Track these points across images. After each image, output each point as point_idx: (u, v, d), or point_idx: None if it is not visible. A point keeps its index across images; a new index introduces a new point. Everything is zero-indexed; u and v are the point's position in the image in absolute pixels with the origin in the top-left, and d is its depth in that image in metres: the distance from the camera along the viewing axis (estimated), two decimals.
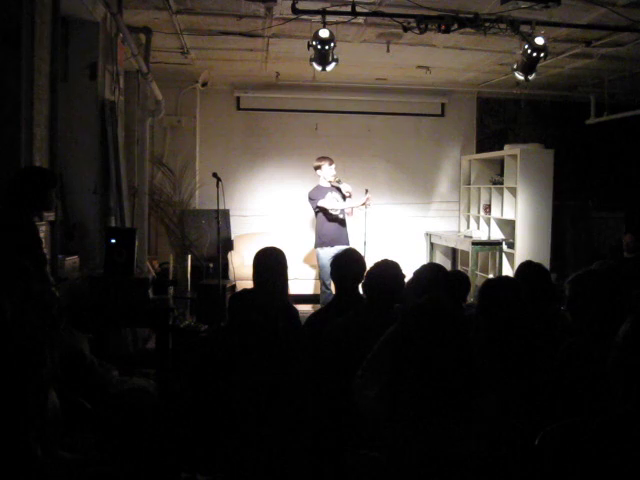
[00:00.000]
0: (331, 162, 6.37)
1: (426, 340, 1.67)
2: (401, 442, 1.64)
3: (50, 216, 3.87)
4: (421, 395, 1.65)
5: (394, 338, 1.87)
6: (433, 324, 1.69)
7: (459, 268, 8.54)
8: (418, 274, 3.13)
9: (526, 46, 5.03)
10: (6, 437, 1.72)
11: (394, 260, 3.05)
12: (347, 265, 3.29)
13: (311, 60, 5.19)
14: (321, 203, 6.27)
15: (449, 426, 1.62)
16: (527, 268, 3.41)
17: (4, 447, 1.71)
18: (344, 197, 6.35)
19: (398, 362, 1.72)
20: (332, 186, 6.37)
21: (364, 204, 6.36)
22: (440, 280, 3.06)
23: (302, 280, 7.70)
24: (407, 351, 1.69)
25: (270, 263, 3.48)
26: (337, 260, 3.39)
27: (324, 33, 4.84)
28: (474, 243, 7.49)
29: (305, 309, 6.84)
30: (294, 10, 4.71)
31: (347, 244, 6.06)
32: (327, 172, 6.35)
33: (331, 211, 6.27)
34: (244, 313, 2.84)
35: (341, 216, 6.33)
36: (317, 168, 6.39)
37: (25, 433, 1.76)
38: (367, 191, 6.36)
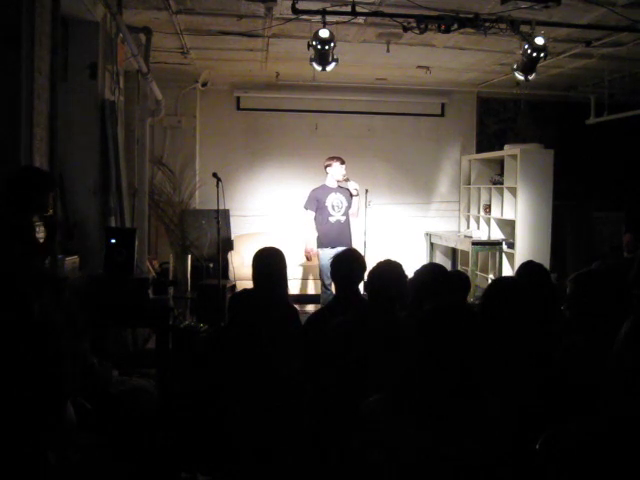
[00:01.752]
0: (342, 162, 6.36)
1: (443, 342, 1.66)
2: (402, 442, 1.64)
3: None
4: (427, 395, 1.64)
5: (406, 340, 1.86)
6: (453, 326, 1.69)
7: (459, 268, 8.54)
8: (418, 274, 3.12)
9: (526, 46, 5.03)
10: (20, 443, 1.71)
11: (397, 260, 3.04)
12: (347, 265, 3.29)
13: (311, 60, 5.19)
14: (305, 212, 6.36)
15: (452, 426, 1.62)
16: (528, 268, 3.41)
17: (17, 453, 1.71)
18: (351, 196, 6.34)
19: (408, 363, 1.72)
20: (339, 186, 6.37)
21: (354, 195, 6.34)
22: (441, 280, 3.06)
23: (302, 280, 7.71)
24: (421, 352, 1.69)
25: (269, 263, 3.47)
26: (337, 260, 3.39)
27: (324, 33, 4.84)
28: (474, 243, 7.49)
29: (305, 309, 6.84)
30: (294, 10, 4.71)
31: (349, 245, 6.04)
32: (337, 171, 6.33)
33: (329, 217, 6.29)
34: (244, 313, 2.84)
35: (342, 219, 6.31)
36: (327, 166, 6.40)
37: (40, 440, 1.75)
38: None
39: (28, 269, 2.41)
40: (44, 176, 3.36)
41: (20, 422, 1.71)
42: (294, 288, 7.42)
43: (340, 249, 5.67)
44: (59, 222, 4.02)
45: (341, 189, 6.35)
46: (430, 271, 3.14)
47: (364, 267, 3.29)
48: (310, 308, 6.91)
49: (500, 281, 2.75)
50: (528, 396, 2.14)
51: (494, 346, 2.28)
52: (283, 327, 3.17)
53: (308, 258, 6.40)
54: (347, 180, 6.31)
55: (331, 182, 6.37)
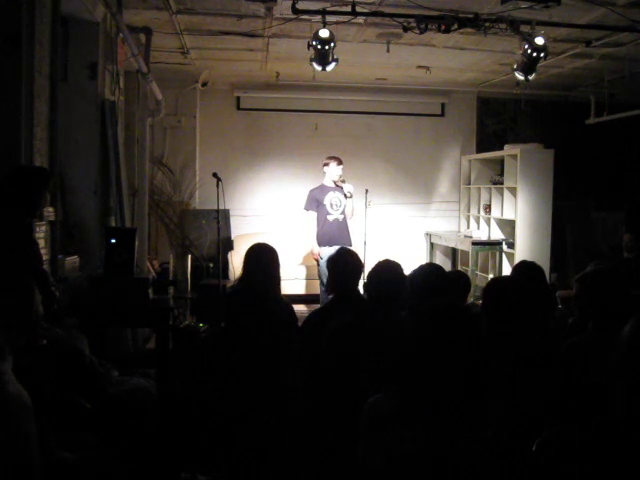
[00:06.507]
0: (339, 162, 6.38)
1: (442, 342, 1.66)
2: (405, 443, 1.64)
3: (50, 216, 3.87)
4: (428, 397, 1.64)
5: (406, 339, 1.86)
6: (451, 325, 1.69)
7: (459, 268, 8.54)
8: (416, 275, 3.11)
9: (526, 46, 5.03)
10: None
11: (396, 260, 3.04)
12: (342, 265, 3.25)
13: (311, 60, 5.19)
14: (306, 213, 6.41)
15: (452, 429, 1.62)
16: (522, 267, 3.42)
17: None
18: (345, 196, 6.36)
19: (409, 364, 1.72)
20: (336, 186, 6.39)
21: (346, 196, 6.36)
22: (439, 281, 3.05)
23: (302, 280, 7.70)
24: (421, 352, 1.69)
25: (260, 260, 3.40)
26: (332, 261, 3.34)
27: (324, 33, 4.84)
28: (474, 243, 7.49)
29: (304, 309, 6.84)
30: (294, 10, 4.71)
31: (348, 244, 6.04)
32: (333, 171, 6.36)
33: (327, 216, 6.30)
34: (237, 314, 2.83)
35: (340, 218, 6.33)
36: (325, 165, 6.43)
37: None
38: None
39: None
40: (42, 173, 3.33)
41: None
42: (294, 288, 7.42)
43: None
44: (59, 222, 4.02)
45: (339, 188, 6.37)
46: (428, 271, 3.13)
47: (360, 266, 3.27)
48: (309, 308, 6.90)
49: (496, 281, 2.75)
50: (530, 397, 2.14)
51: (495, 346, 2.28)
52: (278, 323, 3.15)
53: (317, 259, 6.37)
54: (343, 182, 6.33)
55: (328, 181, 6.39)
